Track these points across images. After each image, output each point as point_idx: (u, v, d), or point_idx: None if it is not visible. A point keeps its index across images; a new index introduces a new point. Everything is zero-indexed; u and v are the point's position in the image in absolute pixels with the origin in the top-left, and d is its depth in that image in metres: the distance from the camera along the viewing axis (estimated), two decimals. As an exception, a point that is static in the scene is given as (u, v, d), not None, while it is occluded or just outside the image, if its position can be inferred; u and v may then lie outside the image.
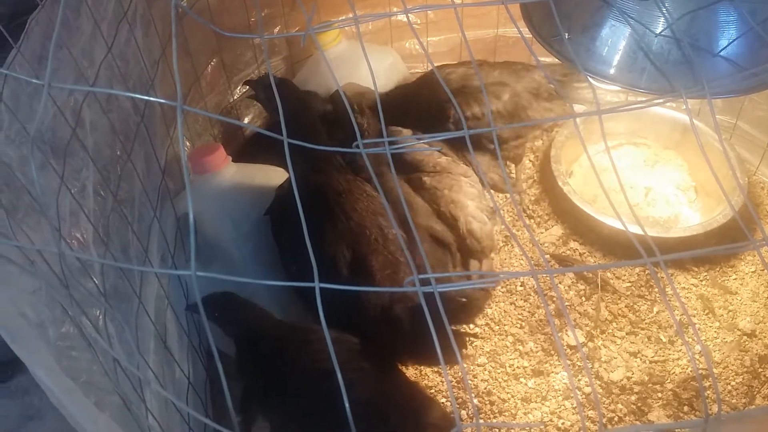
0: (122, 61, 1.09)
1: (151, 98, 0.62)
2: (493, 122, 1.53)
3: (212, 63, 1.57)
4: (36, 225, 0.79)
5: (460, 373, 1.35)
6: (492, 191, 1.46)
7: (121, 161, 1.07)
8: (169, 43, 0.55)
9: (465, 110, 1.52)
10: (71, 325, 0.77)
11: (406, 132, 1.48)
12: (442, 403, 1.27)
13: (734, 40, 0.93)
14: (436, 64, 1.72)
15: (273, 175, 1.40)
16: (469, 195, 1.44)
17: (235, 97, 1.66)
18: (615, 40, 0.98)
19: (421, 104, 1.56)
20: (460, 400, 1.33)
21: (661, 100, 0.63)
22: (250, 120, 1.70)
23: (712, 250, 0.53)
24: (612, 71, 1.00)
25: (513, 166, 1.69)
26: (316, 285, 0.53)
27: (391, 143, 0.64)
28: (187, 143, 1.48)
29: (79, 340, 0.77)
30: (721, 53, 0.94)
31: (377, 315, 1.18)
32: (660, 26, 0.94)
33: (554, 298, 1.49)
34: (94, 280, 0.88)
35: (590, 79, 1.01)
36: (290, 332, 1.15)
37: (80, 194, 0.93)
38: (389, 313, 1.18)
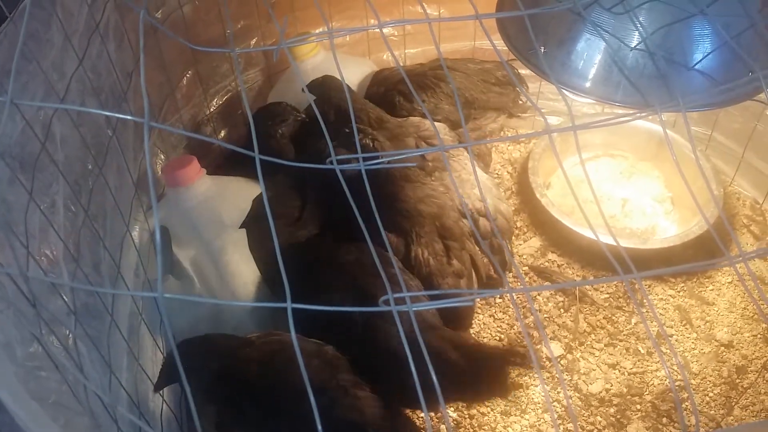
0: (94, 74, 1.07)
1: (118, 114, 0.60)
2: (443, 108, 1.58)
3: (188, 75, 1.55)
4: (2, 243, 0.77)
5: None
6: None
7: (93, 175, 1.05)
8: (143, 54, 0.54)
9: (411, 100, 1.58)
10: (39, 345, 0.75)
11: (440, 125, 1.51)
12: (421, 418, 1.26)
13: (708, 53, 0.93)
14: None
15: (249, 188, 1.39)
16: (485, 177, 1.50)
17: (212, 110, 1.64)
18: (590, 53, 0.99)
19: (373, 98, 1.60)
20: (439, 414, 1.32)
21: (635, 115, 0.63)
22: (226, 133, 1.68)
23: (690, 266, 0.53)
24: (588, 85, 1.00)
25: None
26: (288, 306, 0.51)
27: (366, 159, 0.63)
28: (162, 156, 1.46)
29: (47, 360, 0.75)
30: (696, 67, 0.94)
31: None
32: (635, 40, 0.94)
33: (532, 311, 1.48)
34: (64, 298, 0.86)
35: (566, 92, 1.01)
36: (261, 350, 1.10)
37: (50, 210, 0.90)
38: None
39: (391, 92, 1.59)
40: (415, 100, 1.56)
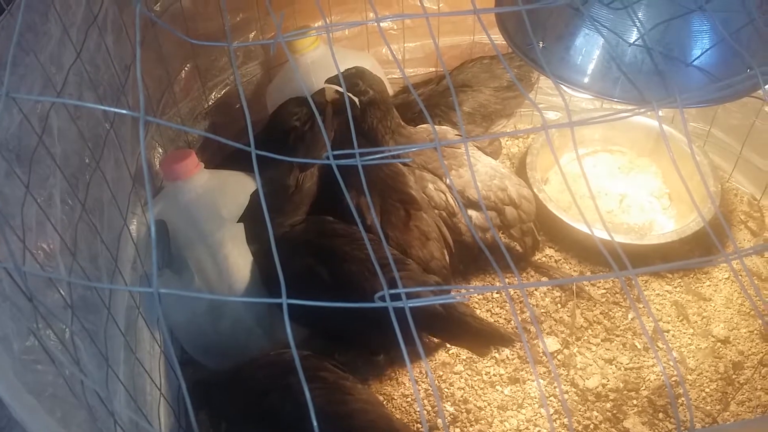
0: (92, 66, 1.07)
1: (114, 109, 0.60)
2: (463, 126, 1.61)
3: (186, 68, 1.54)
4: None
5: (436, 382, 1.35)
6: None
7: (90, 169, 1.05)
8: (140, 49, 0.54)
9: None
10: (36, 339, 0.75)
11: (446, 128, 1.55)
12: (416, 411, 1.26)
13: (707, 50, 0.93)
14: (412, 71, 1.76)
15: (247, 182, 1.39)
16: (500, 167, 1.55)
17: (210, 103, 1.64)
18: (589, 49, 0.98)
19: None
20: (437, 409, 1.32)
21: (631, 112, 0.63)
22: (225, 126, 1.68)
23: (685, 263, 0.53)
24: (586, 80, 1.00)
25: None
26: (284, 301, 0.51)
27: (362, 155, 0.63)
28: (160, 149, 1.46)
29: (44, 354, 0.75)
30: (694, 63, 0.94)
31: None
32: (634, 36, 0.94)
33: (531, 306, 1.49)
34: (61, 292, 0.86)
35: (564, 87, 1.01)
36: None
37: (47, 203, 0.90)
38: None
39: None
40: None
